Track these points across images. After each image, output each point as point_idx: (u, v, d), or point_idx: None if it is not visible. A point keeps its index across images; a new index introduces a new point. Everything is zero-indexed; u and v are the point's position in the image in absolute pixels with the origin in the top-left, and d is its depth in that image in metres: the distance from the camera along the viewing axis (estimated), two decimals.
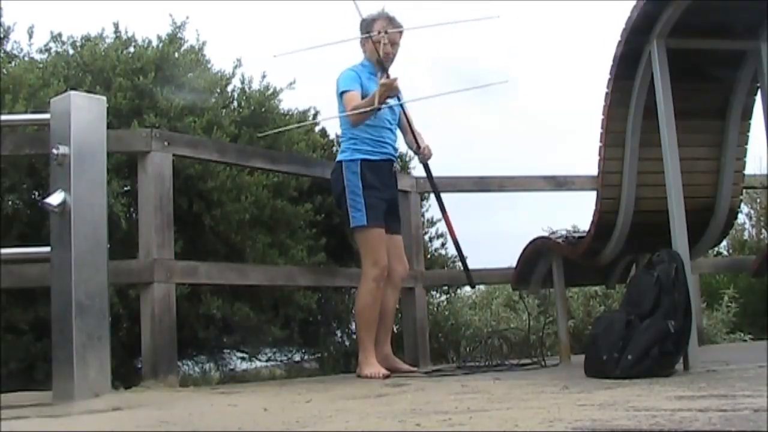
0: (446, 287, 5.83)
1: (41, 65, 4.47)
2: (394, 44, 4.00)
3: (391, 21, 4.00)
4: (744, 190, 4.25)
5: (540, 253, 4.06)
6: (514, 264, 4.30)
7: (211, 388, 3.61)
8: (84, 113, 3.01)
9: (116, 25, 4.78)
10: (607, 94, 3.12)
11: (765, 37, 3.07)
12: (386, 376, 3.59)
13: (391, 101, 3.93)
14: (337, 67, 4.06)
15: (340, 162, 3.93)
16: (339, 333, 5.54)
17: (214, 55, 5.01)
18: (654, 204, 3.14)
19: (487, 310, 5.95)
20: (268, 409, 2.30)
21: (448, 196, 5.47)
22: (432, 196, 5.54)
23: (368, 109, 3.76)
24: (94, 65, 4.48)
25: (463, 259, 4.31)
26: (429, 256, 5.49)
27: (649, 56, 2.98)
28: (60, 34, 4.77)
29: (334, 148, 5.52)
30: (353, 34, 4.05)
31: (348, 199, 3.84)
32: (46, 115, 3.10)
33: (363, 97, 3.86)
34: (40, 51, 4.72)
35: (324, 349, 5.24)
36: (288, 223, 4.66)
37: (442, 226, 5.78)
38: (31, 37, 4.65)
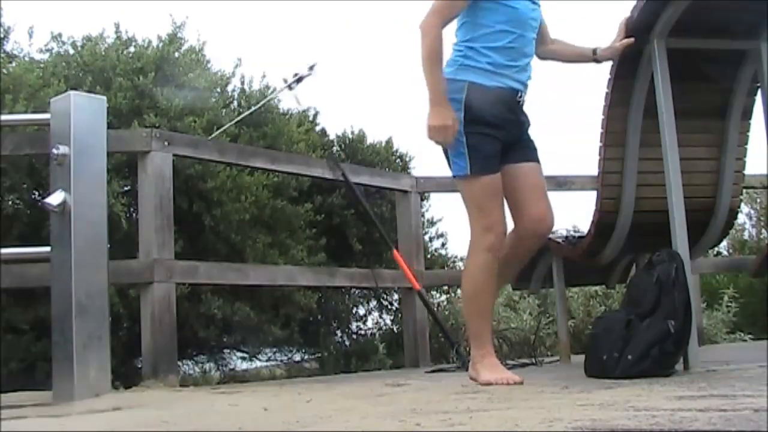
0: (446, 287, 5.83)
1: (41, 65, 4.47)
2: None
3: None
4: (744, 190, 4.24)
5: (540, 253, 4.05)
6: None
7: (211, 388, 3.60)
8: (84, 113, 3.01)
9: (117, 26, 4.79)
10: (607, 94, 3.11)
11: (765, 37, 3.07)
12: (517, 383, 2.59)
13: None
14: (336, 68, 4.03)
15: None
16: (339, 333, 5.54)
17: (214, 55, 5.03)
18: (654, 204, 3.13)
19: None
20: (268, 409, 2.30)
21: (448, 196, 5.48)
22: (431, 195, 5.54)
23: (427, 78, 2.63)
24: (94, 65, 4.48)
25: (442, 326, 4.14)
26: (429, 256, 5.49)
27: (649, 56, 2.98)
28: (60, 35, 4.79)
29: (335, 148, 5.52)
30: (353, 33, 4.00)
31: None
32: (46, 115, 3.10)
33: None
34: (41, 51, 4.73)
35: (324, 349, 5.24)
36: (288, 223, 4.66)
37: (442, 226, 5.78)
38: (31, 37, 4.66)
